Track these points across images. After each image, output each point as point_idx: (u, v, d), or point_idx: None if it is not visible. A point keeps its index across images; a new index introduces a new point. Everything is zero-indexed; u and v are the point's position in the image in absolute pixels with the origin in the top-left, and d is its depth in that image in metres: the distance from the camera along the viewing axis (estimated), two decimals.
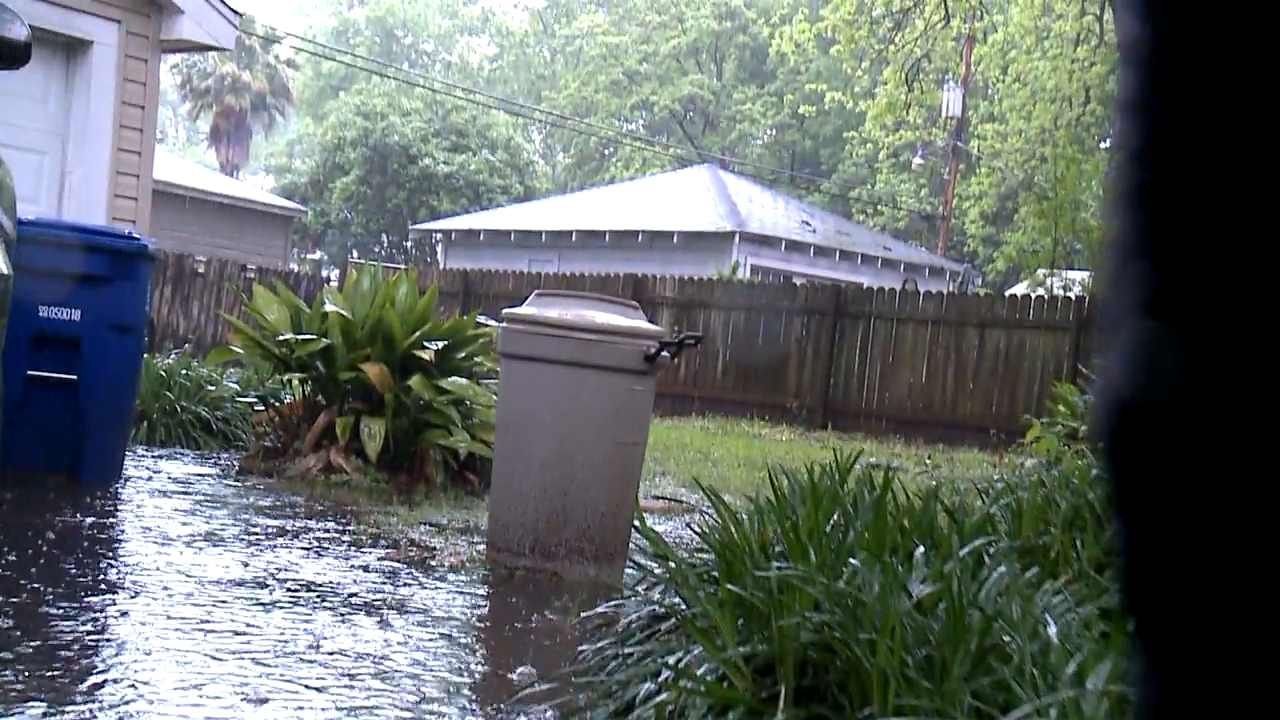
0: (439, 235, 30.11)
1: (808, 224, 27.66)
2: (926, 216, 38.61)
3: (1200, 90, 0.49)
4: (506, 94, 48.07)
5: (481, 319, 7.34)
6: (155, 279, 17.96)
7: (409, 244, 37.74)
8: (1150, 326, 0.50)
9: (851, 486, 3.28)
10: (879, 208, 38.69)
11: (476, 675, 3.26)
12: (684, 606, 2.95)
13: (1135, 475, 0.51)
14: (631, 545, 4.81)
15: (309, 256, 37.30)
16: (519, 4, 60.48)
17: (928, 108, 28.88)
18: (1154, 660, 0.53)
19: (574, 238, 26.02)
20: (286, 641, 3.37)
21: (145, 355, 8.58)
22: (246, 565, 4.36)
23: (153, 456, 7.10)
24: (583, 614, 3.74)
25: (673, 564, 3.15)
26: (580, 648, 3.23)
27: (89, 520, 4.94)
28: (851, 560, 2.59)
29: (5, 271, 2.67)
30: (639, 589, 3.72)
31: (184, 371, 8.19)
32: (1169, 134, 0.50)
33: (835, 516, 3.01)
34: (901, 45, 23.02)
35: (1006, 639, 2.08)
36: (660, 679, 2.61)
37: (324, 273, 27.90)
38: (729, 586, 2.66)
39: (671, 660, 2.64)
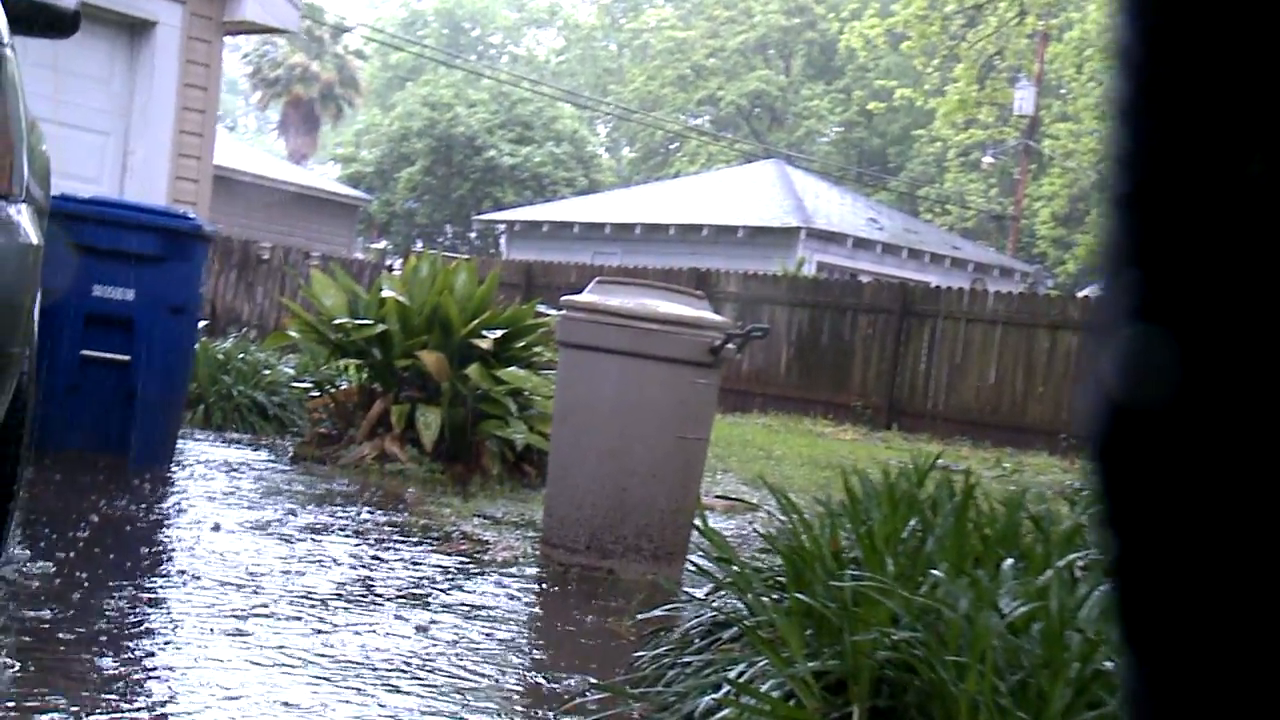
0: (502, 226, 30.04)
1: (875, 221, 27.28)
2: (996, 216, 38.04)
3: (1191, 96, 0.49)
4: (573, 87, 47.97)
5: (542, 308, 7.18)
6: (221, 264, 18.02)
7: (473, 235, 37.74)
8: (1143, 331, 0.50)
9: (929, 490, 3.06)
10: (947, 207, 38.18)
11: (525, 681, 3.08)
12: (748, 614, 2.76)
13: (1126, 481, 0.51)
14: (691, 545, 4.62)
15: (374, 246, 37.42)
16: None
17: (999, 106, 28.42)
18: (1145, 672, 0.52)
19: (638, 231, 25.83)
20: (327, 638, 3.21)
21: (206, 339, 8.51)
22: (293, 556, 4.21)
23: (207, 441, 7.00)
24: (639, 617, 3.55)
25: (736, 568, 2.95)
26: (636, 654, 3.05)
27: (136, 505, 4.83)
28: (932, 571, 2.38)
29: (35, 242, 2.53)
30: (699, 592, 3.54)
31: (241, 356, 8.10)
32: (1160, 139, 0.50)
33: (912, 523, 2.80)
34: (974, 42, 22.64)
35: (1111, 665, 1.86)
36: (722, 693, 2.42)
37: (388, 262, 27.92)
38: (798, 595, 2.47)
39: (734, 673, 2.45)
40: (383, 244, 37.58)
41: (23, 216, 2.53)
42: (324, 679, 2.85)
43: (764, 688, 2.30)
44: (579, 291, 4.66)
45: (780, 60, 46.65)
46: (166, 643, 3.02)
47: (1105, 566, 0.53)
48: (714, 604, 3.05)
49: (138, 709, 2.51)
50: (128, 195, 8.20)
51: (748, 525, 5.96)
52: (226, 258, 18.29)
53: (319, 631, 3.26)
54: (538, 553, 4.64)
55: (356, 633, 3.30)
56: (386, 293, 6.83)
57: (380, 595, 3.78)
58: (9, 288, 2.46)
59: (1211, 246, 0.48)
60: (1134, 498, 0.51)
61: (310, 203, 30.19)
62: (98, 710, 2.47)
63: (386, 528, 4.93)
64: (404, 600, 3.76)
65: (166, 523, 4.65)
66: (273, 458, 6.65)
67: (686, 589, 3.90)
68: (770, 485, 3.35)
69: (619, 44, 52.95)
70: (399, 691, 2.83)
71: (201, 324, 8.59)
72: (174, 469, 5.81)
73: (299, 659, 2.98)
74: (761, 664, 2.46)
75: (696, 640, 2.89)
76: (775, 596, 2.79)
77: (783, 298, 16.30)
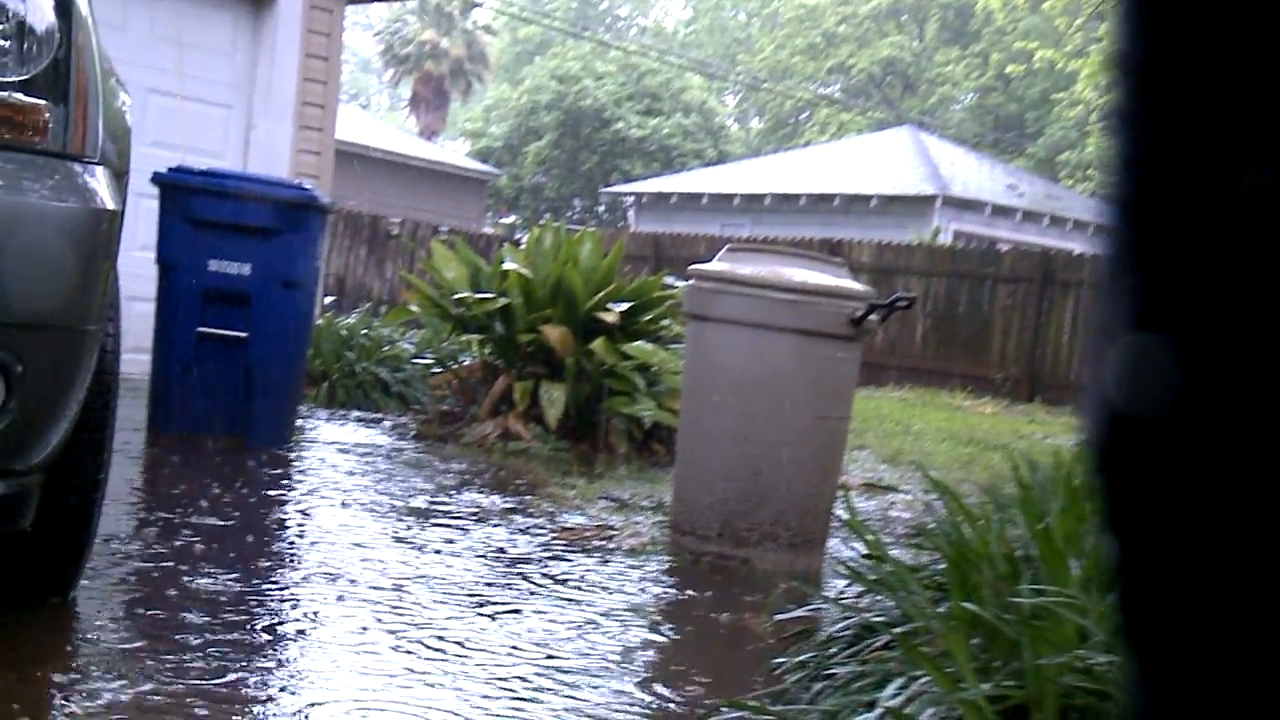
0: (630, 198, 29.76)
1: (1014, 188, 26.37)
2: None
3: (1190, 103, 0.48)
4: (701, 58, 47.44)
5: (669, 280, 6.88)
6: (351, 240, 18.07)
7: (601, 208, 37.59)
8: (1143, 338, 0.49)
9: None
10: (1089, 173, 36.89)
11: (650, 691, 2.78)
12: (901, 619, 2.43)
13: (1127, 487, 0.51)
14: (831, 530, 4.30)
15: (503, 220, 37.48)
16: None
17: None
18: (1148, 678, 0.52)
19: (768, 201, 25.34)
20: (434, 630, 2.96)
21: (330, 315, 8.39)
22: (407, 540, 3.99)
23: (329, 419, 6.85)
24: (777, 616, 3.24)
25: (888, 566, 2.62)
26: (775, 660, 2.74)
27: (249, 489, 4.65)
28: None
29: (111, 207, 2.30)
30: (842, 588, 3.22)
31: (364, 331, 7.95)
32: (1160, 146, 0.50)
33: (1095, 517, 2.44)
34: None
35: None
36: (876, 715, 2.10)
37: (516, 236, 27.92)
38: (964, 605, 2.13)
39: (888, 692, 2.13)
40: (511, 218, 37.63)
41: (98, 181, 2.31)
42: (422, 678, 2.59)
43: (926, 714, 1.97)
44: (708, 263, 4.34)
45: (914, 25, 45.54)
46: (270, 636, 2.80)
47: (1107, 572, 0.52)
48: (860, 605, 2.73)
49: (235, 704, 2.29)
50: (251, 169, 8.10)
51: (889, 506, 5.61)
52: (357, 233, 18.33)
53: (425, 622, 3.01)
54: (667, 539, 4.35)
55: (467, 625, 3.04)
56: (509, 265, 6.59)
57: (497, 583, 3.53)
58: (81, 260, 2.24)
59: (1211, 254, 0.47)
60: (1134, 504, 0.50)
61: (440, 178, 30.30)
62: (191, 698, 2.25)
63: (507, 510, 4.69)
64: (522, 590, 3.50)
65: (279, 508, 4.46)
66: (395, 436, 6.47)
67: (828, 583, 3.59)
68: (924, 471, 3.00)
69: (748, 13, 52.24)
70: (503, 696, 2.56)
71: (328, 299, 8.46)
72: (293, 449, 5.64)
73: (399, 650, 2.73)
74: (922, 680, 2.13)
75: (842, 646, 2.57)
76: (931, 597, 2.46)
77: (918, 267, 15.77)
